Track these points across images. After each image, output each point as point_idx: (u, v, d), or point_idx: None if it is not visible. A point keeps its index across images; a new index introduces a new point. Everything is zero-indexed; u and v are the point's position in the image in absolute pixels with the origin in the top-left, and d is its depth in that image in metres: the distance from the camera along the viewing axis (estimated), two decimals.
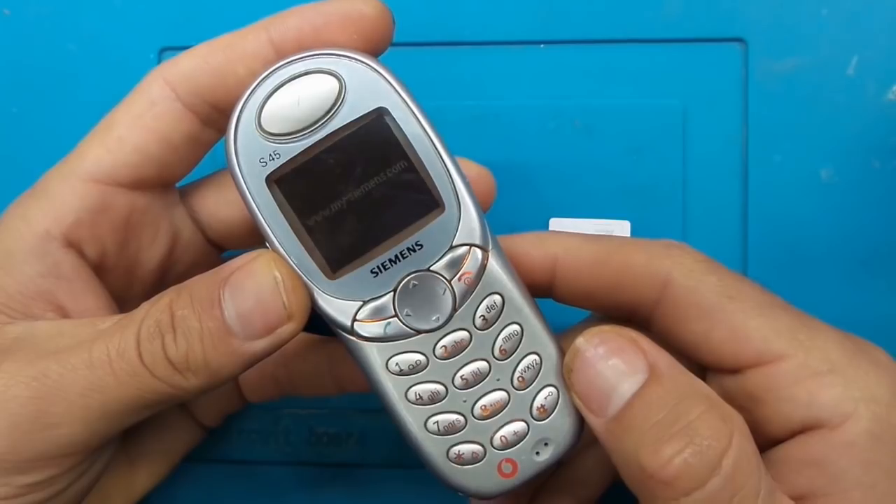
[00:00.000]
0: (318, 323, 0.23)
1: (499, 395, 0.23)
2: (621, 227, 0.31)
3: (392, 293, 0.22)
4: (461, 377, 0.23)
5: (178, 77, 0.24)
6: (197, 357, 0.21)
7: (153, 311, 0.22)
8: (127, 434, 0.25)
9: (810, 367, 0.22)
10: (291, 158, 0.22)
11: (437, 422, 0.23)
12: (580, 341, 0.21)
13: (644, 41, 0.31)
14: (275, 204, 0.22)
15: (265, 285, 0.21)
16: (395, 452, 0.32)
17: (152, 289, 0.26)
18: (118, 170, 0.24)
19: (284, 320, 0.21)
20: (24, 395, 0.21)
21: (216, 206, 0.27)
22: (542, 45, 0.32)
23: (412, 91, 0.22)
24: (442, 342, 0.22)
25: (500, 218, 0.27)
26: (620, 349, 0.21)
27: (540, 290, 0.25)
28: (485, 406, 0.23)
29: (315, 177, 0.22)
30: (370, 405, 0.32)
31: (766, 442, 0.22)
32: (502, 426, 0.23)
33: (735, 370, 0.23)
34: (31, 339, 0.23)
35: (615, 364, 0.21)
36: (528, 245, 0.25)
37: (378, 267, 0.22)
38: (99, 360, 0.21)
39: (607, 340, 0.21)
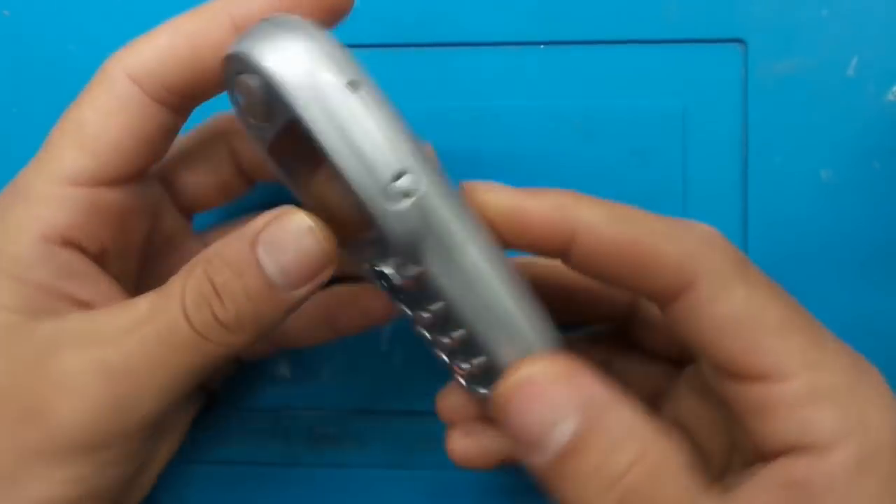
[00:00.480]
0: None
1: (465, 365, 0.24)
2: None
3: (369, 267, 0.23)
4: (431, 340, 0.24)
5: (142, 72, 0.23)
6: (248, 315, 0.22)
7: (191, 283, 0.22)
8: None
9: (813, 391, 0.21)
10: (269, 143, 0.22)
11: (434, 351, 0.24)
12: (511, 382, 0.21)
13: (644, 42, 0.31)
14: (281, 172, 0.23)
15: (303, 236, 0.22)
16: (395, 454, 0.32)
17: (140, 265, 0.27)
18: (100, 170, 0.24)
19: (325, 264, 0.22)
20: (94, 380, 0.22)
21: (191, 173, 0.28)
22: (542, 46, 0.32)
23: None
24: (410, 313, 0.23)
25: None
26: (553, 390, 0.21)
27: (551, 255, 0.24)
28: (454, 365, 0.24)
29: (290, 159, 0.23)
30: (370, 405, 0.32)
31: (753, 454, 0.22)
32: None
33: (736, 378, 0.23)
34: (70, 333, 0.23)
35: (548, 406, 0.21)
36: (546, 208, 0.23)
37: (354, 246, 0.23)
38: (153, 341, 0.22)
39: (539, 380, 0.21)
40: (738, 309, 0.22)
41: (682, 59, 0.31)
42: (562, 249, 0.23)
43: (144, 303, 0.23)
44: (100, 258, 0.25)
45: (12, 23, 0.33)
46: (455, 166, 0.31)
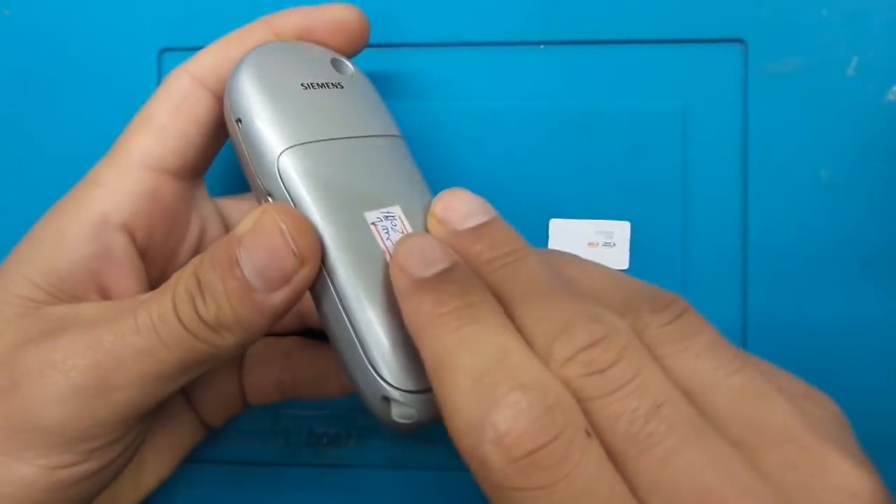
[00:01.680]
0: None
1: None
2: (621, 228, 0.31)
3: None
4: None
5: (202, 70, 0.26)
6: (227, 315, 0.22)
7: (182, 277, 0.23)
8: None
9: None
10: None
11: None
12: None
13: (644, 41, 0.31)
14: None
15: (272, 236, 0.22)
16: (395, 453, 0.32)
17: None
18: (167, 157, 0.26)
19: (298, 266, 0.22)
20: (82, 364, 0.23)
21: (241, 203, 0.29)
22: (542, 46, 0.32)
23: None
24: None
25: None
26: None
27: None
28: None
29: None
30: None
31: None
32: None
33: None
34: (77, 316, 0.24)
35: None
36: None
37: None
38: (145, 326, 0.23)
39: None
40: None
41: (682, 59, 0.31)
42: None
43: (148, 294, 0.24)
44: (144, 252, 0.26)
45: (12, 23, 0.33)
46: (455, 166, 0.32)
